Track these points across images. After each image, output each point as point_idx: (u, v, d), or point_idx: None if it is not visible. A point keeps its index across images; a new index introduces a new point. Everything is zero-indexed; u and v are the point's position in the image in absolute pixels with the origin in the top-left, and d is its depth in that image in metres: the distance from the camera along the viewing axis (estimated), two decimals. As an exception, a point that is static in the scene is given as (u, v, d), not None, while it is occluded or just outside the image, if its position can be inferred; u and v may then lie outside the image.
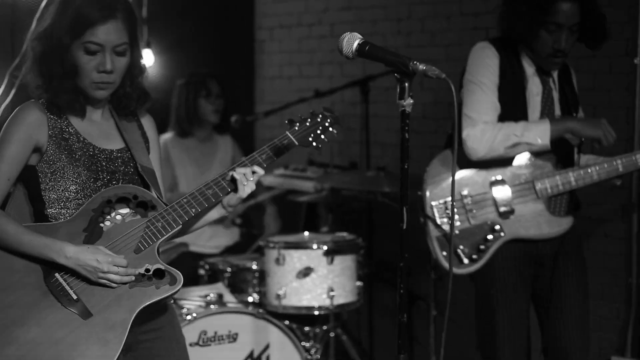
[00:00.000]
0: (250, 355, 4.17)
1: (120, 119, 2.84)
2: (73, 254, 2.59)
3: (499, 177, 3.57)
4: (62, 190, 2.68)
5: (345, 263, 4.40)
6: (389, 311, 5.48)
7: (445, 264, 3.65)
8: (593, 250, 4.63)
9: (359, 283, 4.51)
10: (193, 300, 4.17)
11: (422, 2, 5.49)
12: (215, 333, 4.07)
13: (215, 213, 2.89)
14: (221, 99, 5.20)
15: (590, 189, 3.68)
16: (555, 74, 3.67)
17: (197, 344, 4.03)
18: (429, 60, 5.25)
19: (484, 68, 3.59)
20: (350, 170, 5.46)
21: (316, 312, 4.37)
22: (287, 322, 4.39)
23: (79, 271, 2.60)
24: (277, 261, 4.34)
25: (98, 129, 2.79)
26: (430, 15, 5.45)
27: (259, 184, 2.92)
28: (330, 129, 2.92)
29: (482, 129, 3.51)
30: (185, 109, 5.15)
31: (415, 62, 2.29)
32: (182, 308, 4.12)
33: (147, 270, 2.65)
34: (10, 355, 2.56)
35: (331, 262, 4.34)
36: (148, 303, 2.64)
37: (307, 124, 2.89)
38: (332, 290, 4.33)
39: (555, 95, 3.66)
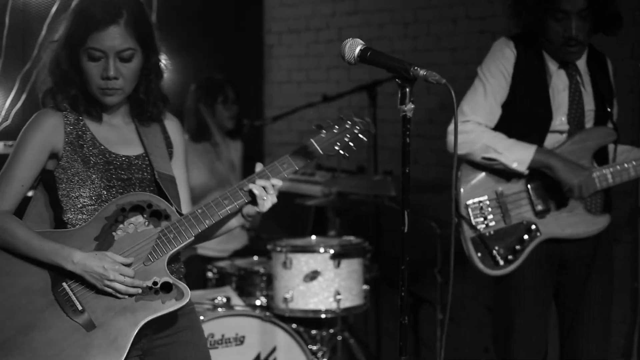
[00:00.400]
0: (257, 358, 4.18)
1: (142, 124, 2.80)
2: (80, 259, 2.57)
3: (536, 175, 3.51)
4: (78, 196, 2.66)
5: (352, 267, 4.42)
6: (396, 314, 5.47)
7: (480, 266, 3.56)
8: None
9: (365, 286, 4.53)
10: (201, 303, 4.20)
11: (429, 6, 5.51)
12: (223, 336, 4.09)
13: (234, 222, 2.82)
14: (236, 104, 5.22)
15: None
16: (583, 67, 3.57)
17: (204, 346, 4.05)
18: (435, 64, 5.38)
19: (496, 67, 3.57)
20: (357, 174, 5.49)
21: (323, 316, 4.39)
22: (294, 326, 4.42)
23: (85, 278, 2.58)
24: (284, 265, 4.36)
25: (117, 134, 2.76)
26: (437, 18, 5.47)
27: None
28: (360, 136, 2.80)
29: (470, 128, 3.51)
30: (201, 113, 5.15)
31: (416, 68, 2.31)
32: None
33: (155, 283, 2.62)
34: None
35: (338, 265, 4.37)
36: (152, 317, 2.61)
37: (335, 130, 2.77)
38: (338, 293, 4.35)
39: (585, 89, 3.55)
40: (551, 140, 3.53)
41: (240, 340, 4.14)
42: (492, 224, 3.52)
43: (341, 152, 2.77)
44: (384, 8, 5.71)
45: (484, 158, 3.49)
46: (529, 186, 3.53)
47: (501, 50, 3.57)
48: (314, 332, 4.57)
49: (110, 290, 2.59)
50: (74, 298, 2.61)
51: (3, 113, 4.74)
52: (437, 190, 4.78)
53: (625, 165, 3.50)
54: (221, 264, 4.74)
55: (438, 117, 5.29)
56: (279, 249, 4.40)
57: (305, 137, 2.76)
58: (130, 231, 2.64)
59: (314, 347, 4.45)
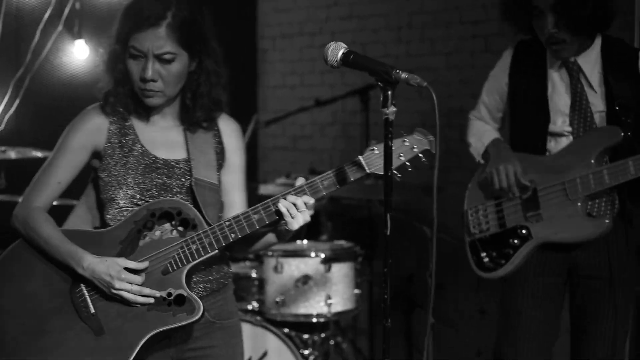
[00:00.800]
0: (248, 362, 4.19)
1: (192, 127, 2.73)
2: (89, 265, 2.56)
3: (530, 179, 3.45)
4: (116, 197, 2.63)
5: (343, 271, 4.43)
6: (390, 319, 5.48)
7: (475, 269, 3.60)
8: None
9: (357, 291, 4.53)
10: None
11: (422, 11, 5.52)
12: (214, 340, 4.09)
13: (272, 237, 2.72)
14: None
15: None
16: (592, 65, 3.40)
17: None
18: (429, 69, 5.37)
19: (496, 69, 3.64)
20: (350, 178, 5.48)
21: (314, 320, 4.39)
22: (286, 330, 4.42)
23: (95, 283, 2.57)
24: (276, 269, 4.37)
25: (162, 137, 2.71)
26: (430, 23, 5.47)
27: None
28: (420, 155, 2.59)
29: (470, 121, 3.75)
30: None
31: (397, 71, 2.31)
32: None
33: (169, 294, 2.56)
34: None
35: (329, 270, 4.37)
36: (161, 330, 2.56)
37: (393, 149, 2.47)
38: (329, 298, 4.35)
39: (594, 90, 3.39)
40: (558, 144, 3.46)
41: (231, 345, 4.14)
42: (490, 228, 3.54)
43: (395, 172, 2.52)
44: (377, 13, 5.72)
45: (470, 147, 3.69)
46: (521, 192, 3.49)
47: (503, 54, 3.62)
48: (305, 336, 4.57)
49: (119, 297, 2.57)
50: (88, 301, 2.60)
51: (-4, 119, 4.74)
52: (430, 194, 4.76)
53: (624, 162, 3.29)
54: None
55: (430, 121, 5.27)
56: (270, 253, 4.40)
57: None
58: (156, 238, 2.59)
59: (306, 352, 4.45)
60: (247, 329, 4.16)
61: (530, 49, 3.54)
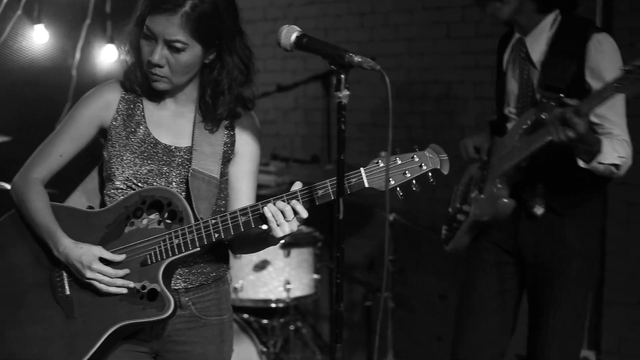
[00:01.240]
0: (207, 347, 4.17)
1: (207, 121, 2.62)
2: (64, 249, 2.52)
3: (485, 157, 3.50)
4: (114, 178, 2.58)
5: (302, 256, 4.42)
6: (350, 304, 5.50)
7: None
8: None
9: (316, 276, 4.53)
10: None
11: (385, -3, 5.53)
12: (172, 326, 4.07)
13: (260, 241, 2.60)
14: None
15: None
16: (542, 44, 3.32)
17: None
18: (392, 55, 5.36)
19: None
20: (311, 163, 5.48)
21: (273, 305, 4.39)
22: (245, 316, 4.41)
23: (70, 268, 2.54)
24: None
25: (170, 122, 2.63)
26: (393, 9, 5.47)
27: None
28: (429, 174, 2.44)
29: None
30: None
31: (350, 55, 2.30)
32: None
33: (143, 287, 2.48)
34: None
35: (288, 255, 4.36)
36: (127, 323, 2.49)
37: (397, 163, 2.44)
38: (288, 283, 4.35)
39: (536, 69, 3.33)
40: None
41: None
42: (456, 205, 3.65)
43: (398, 189, 2.43)
44: (340, -2, 5.72)
45: None
46: (474, 170, 3.59)
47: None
48: (265, 321, 4.56)
49: (92, 284, 2.51)
50: (65, 282, 2.56)
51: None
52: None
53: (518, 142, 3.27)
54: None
55: (394, 106, 5.27)
56: (229, 238, 4.38)
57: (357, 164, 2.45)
58: (142, 226, 2.52)
59: (265, 337, 4.44)
60: (205, 314, 4.16)
61: (507, 33, 3.56)
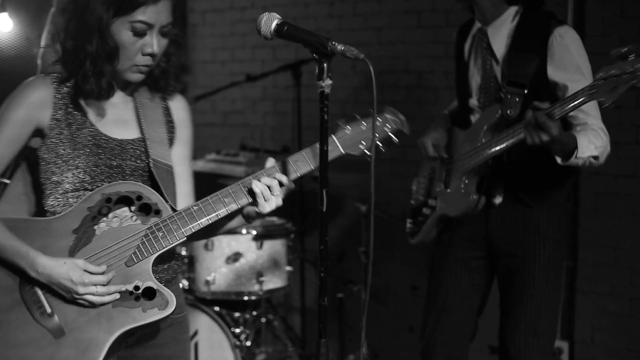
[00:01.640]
0: (179, 341, 4.11)
1: (143, 104, 2.52)
2: (44, 269, 2.31)
3: (445, 155, 3.52)
4: (60, 181, 2.40)
5: (274, 248, 4.37)
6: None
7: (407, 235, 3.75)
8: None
9: (288, 268, 4.48)
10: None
11: (355, -15, 5.47)
12: (143, 320, 4.00)
13: (235, 222, 2.56)
14: None
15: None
16: (501, 37, 3.32)
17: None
18: (361, 44, 5.32)
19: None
20: (282, 154, 5.42)
21: (245, 298, 4.33)
22: (216, 308, 4.35)
23: (53, 288, 2.33)
24: (206, 247, 4.29)
25: (114, 115, 2.49)
26: (363, -2, 5.43)
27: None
28: (391, 135, 2.51)
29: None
30: None
31: (333, 43, 2.24)
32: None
33: (136, 288, 2.34)
34: None
35: (260, 247, 4.31)
36: (130, 327, 2.34)
37: (362, 127, 2.49)
38: (261, 275, 4.29)
39: (497, 63, 3.33)
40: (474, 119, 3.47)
41: (160, 324, 4.06)
42: (419, 198, 3.65)
43: (366, 152, 2.48)
44: (309, -14, 5.65)
45: None
46: (437, 164, 3.58)
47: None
48: (237, 314, 4.51)
49: (82, 302, 2.34)
50: (43, 299, 2.35)
51: None
52: (361, 170, 4.73)
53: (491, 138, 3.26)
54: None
55: (364, 97, 5.25)
56: (200, 230, 4.32)
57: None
58: (115, 225, 2.37)
59: (237, 330, 4.39)
60: (177, 308, 4.09)
61: (466, 25, 3.55)
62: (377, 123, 2.46)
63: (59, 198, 2.41)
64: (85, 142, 2.42)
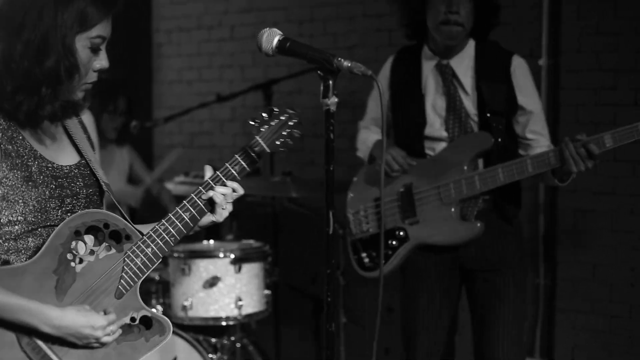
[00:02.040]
0: (157, 370, 3.99)
1: (69, 124, 2.38)
2: (60, 321, 2.18)
3: (407, 182, 3.51)
4: (10, 222, 2.23)
5: (253, 271, 4.27)
6: (295, 320, 5.37)
7: (357, 268, 3.71)
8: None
9: (267, 291, 4.38)
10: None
11: (324, 4, 5.41)
12: (119, 348, 3.88)
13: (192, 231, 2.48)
14: (124, 116, 4.95)
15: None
16: (465, 69, 3.46)
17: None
18: (332, 63, 5.24)
19: (379, 77, 3.60)
20: (253, 176, 5.33)
21: (224, 323, 4.22)
22: (191, 334, 4.23)
23: (66, 339, 2.20)
24: (183, 271, 4.17)
25: (51, 141, 2.34)
26: (333, 17, 5.38)
27: None
28: (295, 130, 2.51)
29: (361, 127, 3.83)
30: None
31: (339, 59, 2.19)
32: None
33: (133, 319, 2.27)
34: None
35: (239, 270, 4.20)
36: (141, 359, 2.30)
37: (273, 124, 2.46)
38: (240, 299, 4.18)
39: (467, 93, 3.45)
40: (436, 148, 3.51)
41: (138, 352, 3.93)
42: (370, 229, 3.59)
43: (281, 148, 2.48)
44: (278, 6, 5.58)
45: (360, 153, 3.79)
46: (399, 193, 3.53)
47: (383, 66, 3.66)
48: (213, 340, 4.39)
49: (93, 345, 2.24)
50: (49, 351, 2.21)
51: None
52: (338, 191, 4.67)
53: (494, 169, 3.36)
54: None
55: (339, 116, 5.18)
56: (176, 254, 4.20)
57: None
58: (92, 259, 2.25)
59: (214, 356, 4.27)
60: (154, 335, 3.97)
61: (408, 55, 3.60)
62: (283, 118, 2.47)
63: (10, 241, 2.24)
64: (39, 173, 2.27)
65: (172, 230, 2.32)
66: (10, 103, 2.22)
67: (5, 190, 2.22)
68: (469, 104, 3.45)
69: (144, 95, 6.14)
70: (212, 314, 4.18)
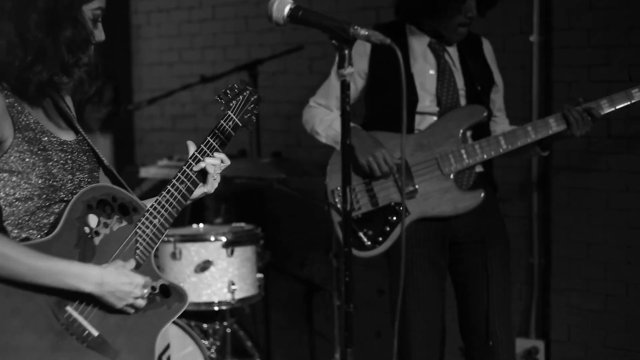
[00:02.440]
0: (149, 357, 3.89)
1: (60, 103, 2.37)
2: (102, 278, 2.18)
3: (399, 157, 3.45)
4: (27, 196, 2.21)
5: (245, 254, 4.19)
6: (285, 304, 5.29)
7: (354, 250, 3.50)
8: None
9: (259, 275, 4.30)
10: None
11: (307, -18, 5.31)
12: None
13: None
14: (109, 107, 4.84)
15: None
16: (453, 48, 3.56)
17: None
18: (317, 42, 5.17)
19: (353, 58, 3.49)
20: (240, 157, 5.23)
21: (216, 308, 4.14)
22: (184, 320, 4.14)
23: (106, 298, 2.20)
24: (174, 255, 4.09)
25: (50, 117, 2.32)
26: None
27: None
28: (255, 106, 2.57)
29: (310, 107, 3.73)
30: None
31: (356, 27, 2.11)
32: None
33: (153, 288, 2.30)
34: None
35: (231, 254, 4.12)
36: (164, 327, 2.34)
37: (241, 98, 2.53)
38: (233, 283, 4.11)
39: (456, 68, 3.54)
40: (425, 123, 3.51)
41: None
42: (361, 207, 3.52)
43: (249, 125, 2.58)
44: (260, -16, 5.47)
45: (316, 134, 3.69)
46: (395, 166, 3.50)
47: (357, 44, 3.50)
48: (205, 325, 4.31)
49: (128, 308, 2.26)
50: (85, 323, 2.22)
51: None
52: (325, 172, 4.60)
53: (495, 137, 3.47)
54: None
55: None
56: (166, 238, 4.10)
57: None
58: (107, 232, 2.27)
59: (206, 342, 4.20)
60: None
61: (389, 34, 3.46)
62: (246, 93, 2.55)
63: (25, 217, 2.23)
64: (52, 148, 2.27)
65: (173, 201, 2.37)
66: (24, 75, 2.18)
67: (21, 165, 2.21)
68: (459, 79, 3.54)
69: (124, 78, 6.01)
70: (204, 299, 4.11)
